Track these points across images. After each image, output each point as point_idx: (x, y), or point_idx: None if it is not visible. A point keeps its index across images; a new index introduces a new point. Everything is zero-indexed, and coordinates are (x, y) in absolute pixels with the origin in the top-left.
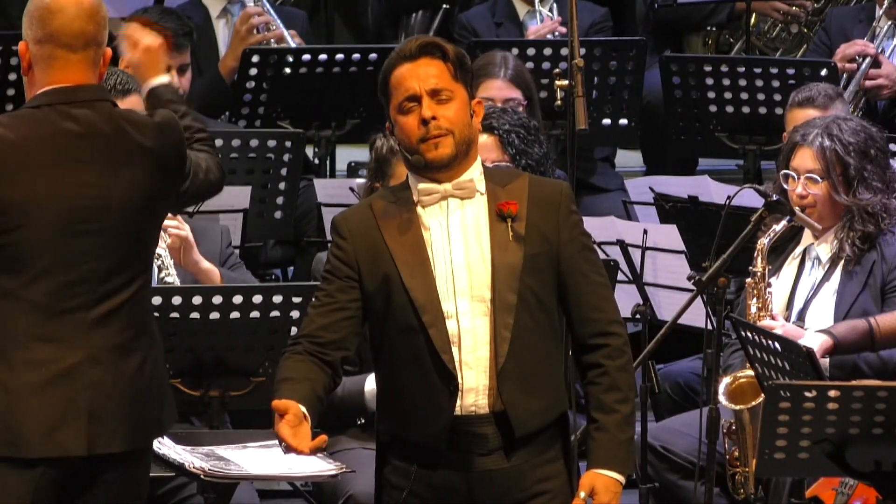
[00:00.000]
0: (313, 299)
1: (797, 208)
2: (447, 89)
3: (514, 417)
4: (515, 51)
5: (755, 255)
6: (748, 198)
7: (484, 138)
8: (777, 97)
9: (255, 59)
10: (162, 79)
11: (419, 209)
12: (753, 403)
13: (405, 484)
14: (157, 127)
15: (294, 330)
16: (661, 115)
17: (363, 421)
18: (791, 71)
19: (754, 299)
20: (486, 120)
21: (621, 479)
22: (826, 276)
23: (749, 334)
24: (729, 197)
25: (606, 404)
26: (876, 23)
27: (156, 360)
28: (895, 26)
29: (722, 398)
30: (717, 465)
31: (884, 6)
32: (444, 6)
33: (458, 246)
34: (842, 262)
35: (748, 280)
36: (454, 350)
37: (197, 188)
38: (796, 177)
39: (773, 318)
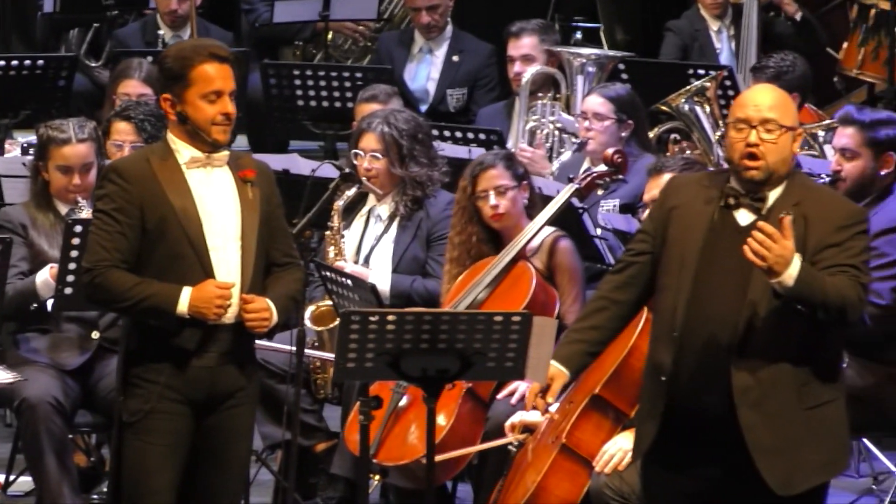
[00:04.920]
0: (99, 231)
1: (364, 178)
2: (235, 90)
3: (249, 326)
4: (150, 59)
5: (332, 213)
6: (327, 171)
7: (123, 125)
8: (349, 94)
9: None
10: None
11: (184, 168)
12: (331, 326)
13: (161, 379)
14: None
15: None
16: (263, 108)
17: (36, 305)
18: (359, 75)
19: (332, 247)
20: (124, 111)
21: (276, 320)
22: (386, 230)
23: (328, 273)
24: (313, 170)
25: (286, 283)
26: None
27: None
28: (429, 49)
29: (308, 322)
30: (304, 372)
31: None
32: (95, 25)
33: (218, 199)
34: (398, 219)
35: (327, 233)
36: (217, 275)
37: None
38: (363, 154)
39: (344, 261)
